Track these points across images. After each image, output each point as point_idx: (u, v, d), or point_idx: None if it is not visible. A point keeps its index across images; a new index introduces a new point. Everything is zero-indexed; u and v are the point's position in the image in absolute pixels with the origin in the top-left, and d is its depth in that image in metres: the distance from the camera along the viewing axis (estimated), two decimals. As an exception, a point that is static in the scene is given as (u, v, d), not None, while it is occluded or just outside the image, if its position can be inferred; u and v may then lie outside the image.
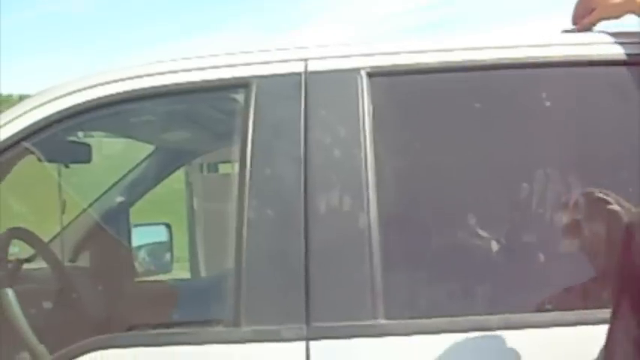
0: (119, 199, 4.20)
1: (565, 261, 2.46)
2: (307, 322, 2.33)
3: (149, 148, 4.21)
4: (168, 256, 4.55)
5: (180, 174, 4.92)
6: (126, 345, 2.45)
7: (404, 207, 2.51)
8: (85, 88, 2.64)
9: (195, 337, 2.42)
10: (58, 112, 2.63)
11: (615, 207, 2.37)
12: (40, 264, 3.54)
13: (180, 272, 5.08)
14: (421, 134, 2.57)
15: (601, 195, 2.37)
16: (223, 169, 8.24)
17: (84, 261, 4.07)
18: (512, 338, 2.30)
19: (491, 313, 2.34)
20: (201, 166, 7.67)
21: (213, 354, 2.37)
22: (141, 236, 4.36)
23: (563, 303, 2.37)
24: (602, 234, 2.39)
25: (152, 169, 4.23)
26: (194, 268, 6.09)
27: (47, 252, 3.49)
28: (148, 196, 4.24)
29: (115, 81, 2.65)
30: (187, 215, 7.10)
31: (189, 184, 7.37)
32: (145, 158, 4.21)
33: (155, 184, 4.25)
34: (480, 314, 2.35)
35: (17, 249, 3.29)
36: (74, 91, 2.65)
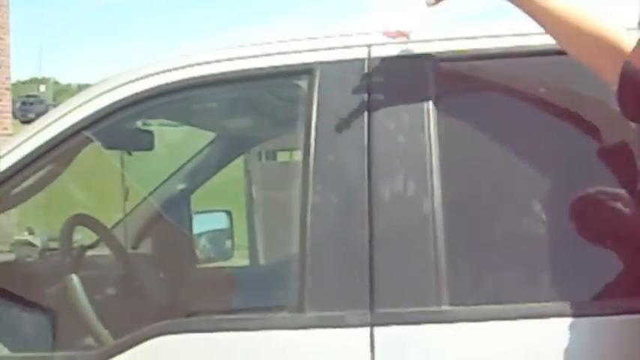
0: (180, 186, 4.22)
1: (628, 250, 2.42)
2: (371, 308, 2.33)
3: (210, 136, 4.22)
4: (229, 243, 4.56)
5: (238, 162, 4.92)
6: (189, 331, 2.46)
7: (468, 192, 2.49)
8: (148, 76, 2.66)
9: (259, 323, 2.42)
10: (122, 100, 2.65)
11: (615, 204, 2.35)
12: (102, 251, 3.58)
13: (240, 260, 5.08)
14: (485, 120, 2.55)
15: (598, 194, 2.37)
16: (282, 157, 8.26)
17: (145, 248, 4.10)
18: (576, 326, 2.28)
19: (555, 300, 2.32)
20: (260, 153, 7.67)
21: (278, 340, 2.37)
22: (202, 223, 4.37)
23: (629, 291, 2.34)
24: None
25: (213, 157, 4.25)
26: (253, 255, 6.10)
27: (111, 238, 3.52)
28: (206, 184, 4.27)
29: (178, 68, 2.65)
30: (246, 203, 7.11)
31: (247, 172, 7.38)
32: (206, 146, 4.22)
33: (216, 172, 4.27)
34: (544, 301, 2.32)
35: (80, 236, 3.32)
36: (138, 79, 2.66)
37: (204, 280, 3.94)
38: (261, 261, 5.11)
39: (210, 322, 2.54)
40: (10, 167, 2.65)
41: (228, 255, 4.55)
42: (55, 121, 2.67)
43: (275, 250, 4.91)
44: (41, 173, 2.91)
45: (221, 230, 4.52)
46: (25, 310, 3.15)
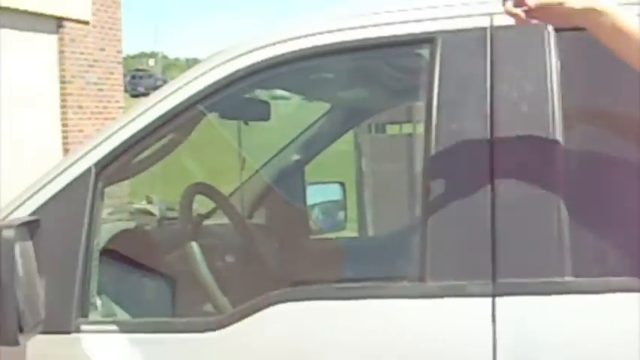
0: (295, 157, 4.24)
1: None
2: (493, 278, 2.31)
3: (325, 107, 4.23)
4: (342, 214, 4.57)
5: (347, 135, 4.92)
6: (311, 298, 2.47)
7: (591, 163, 2.45)
8: (266, 46, 2.66)
9: (379, 292, 2.42)
10: (240, 70, 2.65)
11: None
12: (218, 220, 3.62)
13: (348, 232, 5.09)
14: (608, 90, 2.49)
15: None
16: (391, 130, 8.24)
17: (260, 218, 4.13)
18: None
19: None
20: (370, 127, 7.69)
21: (398, 308, 2.37)
22: (315, 195, 4.39)
23: None
24: None
25: (328, 128, 4.25)
26: (367, 226, 6.11)
27: (229, 207, 3.55)
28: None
29: (296, 38, 2.65)
30: (356, 176, 7.12)
31: (357, 146, 7.40)
32: (321, 117, 4.23)
33: (330, 143, 4.27)
34: None
35: (195, 205, 3.37)
36: (255, 49, 2.66)
37: (319, 250, 3.95)
38: (376, 232, 5.12)
39: (333, 290, 2.55)
40: (129, 138, 2.67)
41: (341, 226, 4.57)
42: (175, 91, 2.68)
43: (392, 220, 4.90)
44: (159, 144, 2.94)
45: (334, 201, 4.54)
46: (145, 276, 3.21)
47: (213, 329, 2.49)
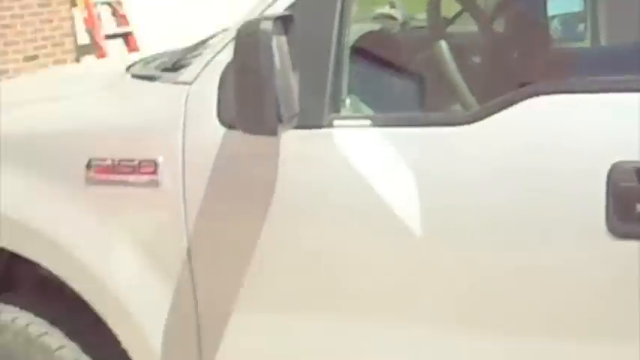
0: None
1: None
2: None
3: None
4: (582, 26, 4.48)
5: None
6: (569, 91, 2.43)
7: None
8: None
9: (622, 86, 2.35)
10: None
11: None
12: (458, 29, 3.62)
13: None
14: None
15: None
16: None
17: (499, 27, 4.09)
18: None
19: None
20: None
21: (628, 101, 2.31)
22: (555, 5, 4.30)
23: None
24: None
25: None
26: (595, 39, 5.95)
27: (475, 9, 3.53)
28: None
29: None
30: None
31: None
32: None
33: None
34: None
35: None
36: None
37: (562, 57, 3.89)
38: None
39: (585, 83, 2.49)
40: None
41: (581, 37, 4.48)
42: None
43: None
44: None
45: (575, 13, 4.45)
46: (392, 75, 3.24)
47: (468, 122, 2.46)
